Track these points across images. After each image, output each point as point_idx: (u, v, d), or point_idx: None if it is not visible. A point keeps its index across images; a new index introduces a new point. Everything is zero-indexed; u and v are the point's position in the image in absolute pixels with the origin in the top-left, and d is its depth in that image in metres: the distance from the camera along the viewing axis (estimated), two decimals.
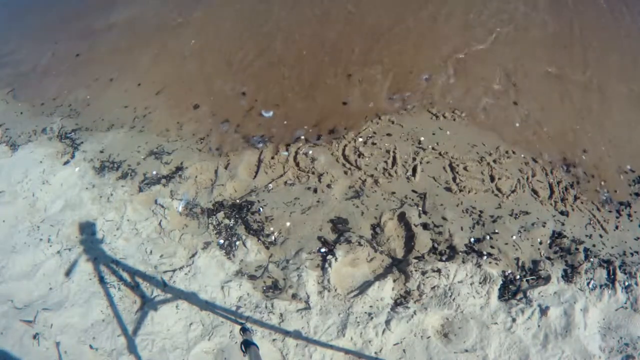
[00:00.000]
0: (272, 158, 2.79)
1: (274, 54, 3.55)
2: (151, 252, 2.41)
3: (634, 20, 3.51)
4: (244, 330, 1.68)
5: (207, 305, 2.16)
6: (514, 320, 2.00)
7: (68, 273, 2.37)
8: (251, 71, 3.47)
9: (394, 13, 3.67)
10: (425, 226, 2.37)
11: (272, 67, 3.45)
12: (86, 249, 2.47)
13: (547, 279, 2.13)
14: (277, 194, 2.60)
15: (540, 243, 2.28)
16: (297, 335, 2.02)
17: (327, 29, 3.65)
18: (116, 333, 2.13)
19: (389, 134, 2.86)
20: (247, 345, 1.46)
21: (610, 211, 2.41)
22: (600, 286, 2.11)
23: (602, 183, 2.54)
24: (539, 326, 1.99)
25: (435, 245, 2.29)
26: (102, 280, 2.33)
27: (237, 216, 2.52)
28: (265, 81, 3.36)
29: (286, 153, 2.81)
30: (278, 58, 3.50)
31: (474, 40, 3.39)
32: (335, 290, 2.16)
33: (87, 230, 2.56)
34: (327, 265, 2.23)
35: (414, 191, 2.54)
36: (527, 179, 2.57)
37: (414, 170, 2.63)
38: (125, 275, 2.33)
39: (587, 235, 2.31)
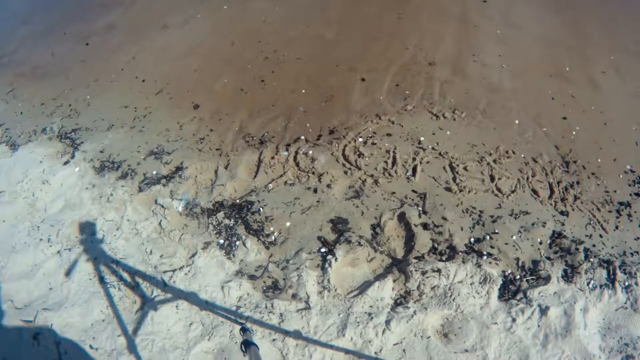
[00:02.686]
0: (272, 158, 2.79)
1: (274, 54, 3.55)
2: (151, 252, 2.41)
3: None
4: (244, 330, 1.67)
5: (207, 305, 2.16)
6: (514, 320, 2.00)
7: (68, 273, 2.37)
8: (251, 70, 3.47)
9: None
10: (425, 226, 2.37)
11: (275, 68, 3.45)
12: (86, 249, 2.47)
13: (547, 279, 2.13)
14: (277, 194, 2.61)
15: (540, 243, 2.28)
16: (297, 335, 2.02)
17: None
18: (116, 333, 2.13)
19: (389, 134, 2.86)
20: (247, 345, 1.46)
21: (610, 211, 2.41)
22: (600, 286, 2.11)
23: (603, 183, 2.54)
24: (539, 326, 1.99)
25: (435, 245, 2.29)
26: (102, 280, 2.33)
27: (237, 216, 2.52)
28: (267, 80, 3.36)
29: (286, 153, 2.81)
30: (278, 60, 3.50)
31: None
32: (335, 290, 2.16)
33: (87, 230, 2.56)
34: (327, 265, 2.23)
35: (414, 191, 2.55)
36: (527, 179, 2.57)
37: (414, 170, 2.63)
38: (125, 275, 2.33)
39: (587, 235, 2.31)
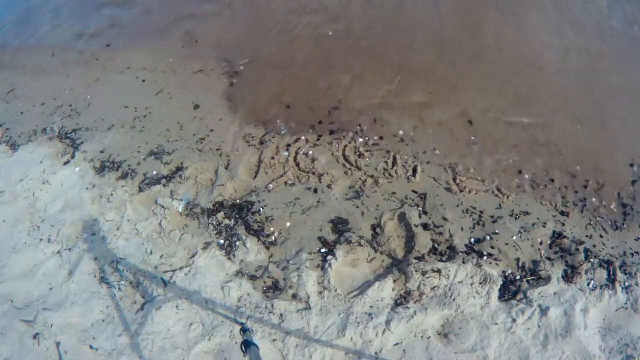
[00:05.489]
0: (272, 158, 2.79)
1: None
2: (151, 252, 2.41)
3: None
4: (244, 330, 1.68)
5: (207, 305, 2.16)
6: (514, 320, 2.00)
7: (69, 273, 2.37)
8: (253, 69, 3.47)
9: None
10: (425, 226, 2.37)
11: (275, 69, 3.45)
12: (86, 248, 2.47)
13: (547, 279, 2.13)
14: (277, 194, 2.61)
15: (541, 243, 2.28)
16: (297, 335, 2.02)
17: None
18: (116, 333, 2.13)
19: None
20: (247, 345, 1.46)
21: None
22: (601, 286, 2.11)
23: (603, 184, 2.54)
24: (539, 326, 1.99)
25: (436, 245, 2.29)
26: (102, 280, 2.33)
27: (237, 216, 2.52)
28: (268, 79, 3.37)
29: (286, 153, 2.81)
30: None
31: None
32: (335, 290, 2.16)
33: (87, 230, 2.56)
34: (327, 265, 2.23)
35: (414, 191, 2.55)
36: None
37: (414, 170, 2.64)
38: (125, 275, 2.33)
39: (587, 236, 2.31)
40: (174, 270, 2.31)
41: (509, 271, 2.18)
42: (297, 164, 2.75)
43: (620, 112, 2.86)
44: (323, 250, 2.32)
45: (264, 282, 2.25)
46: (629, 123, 2.81)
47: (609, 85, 3.01)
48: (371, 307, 2.09)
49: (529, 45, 3.31)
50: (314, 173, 2.68)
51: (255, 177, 2.72)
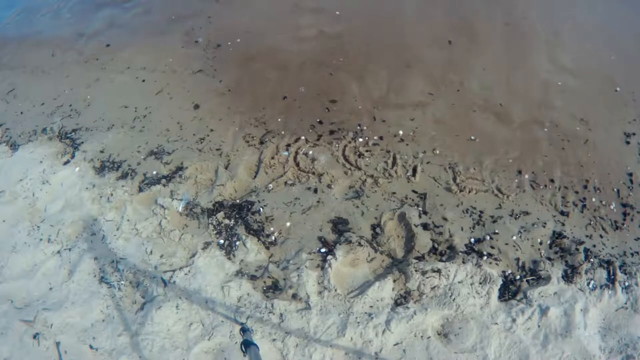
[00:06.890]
0: (272, 158, 2.79)
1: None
2: (151, 252, 2.41)
3: None
4: (244, 330, 1.68)
5: (207, 305, 2.16)
6: (514, 320, 2.00)
7: (69, 273, 2.37)
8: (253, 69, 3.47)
9: None
10: (425, 226, 2.37)
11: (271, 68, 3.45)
12: (86, 248, 2.47)
13: (547, 279, 2.13)
14: (277, 194, 2.61)
15: (541, 243, 2.28)
16: (297, 335, 2.02)
17: None
18: (116, 333, 2.13)
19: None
20: (247, 345, 1.46)
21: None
22: (601, 286, 2.11)
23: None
24: (539, 326, 1.99)
25: (436, 245, 2.29)
26: (102, 280, 2.33)
27: (237, 216, 2.52)
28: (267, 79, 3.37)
29: (286, 153, 2.81)
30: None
31: None
32: (336, 290, 2.16)
33: (87, 230, 2.56)
34: (327, 265, 2.23)
35: (414, 191, 2.55)
36: None
37: (414, 170, 2.64)
38: (125, 275, 2.33)
39: (587, 236, 2.31)
40: (174, 270, 2.31)
41: (509, 271, 2.19)
42: (297, 164, 2.75)
43: None
44: (323, 250, 2.32)
45: (264, 282, 2.25)
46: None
47: None
48: (371, 307, 2.09)
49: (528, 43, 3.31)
50: (314, 173, 2.68)
51: (255, 177, 2.72)
